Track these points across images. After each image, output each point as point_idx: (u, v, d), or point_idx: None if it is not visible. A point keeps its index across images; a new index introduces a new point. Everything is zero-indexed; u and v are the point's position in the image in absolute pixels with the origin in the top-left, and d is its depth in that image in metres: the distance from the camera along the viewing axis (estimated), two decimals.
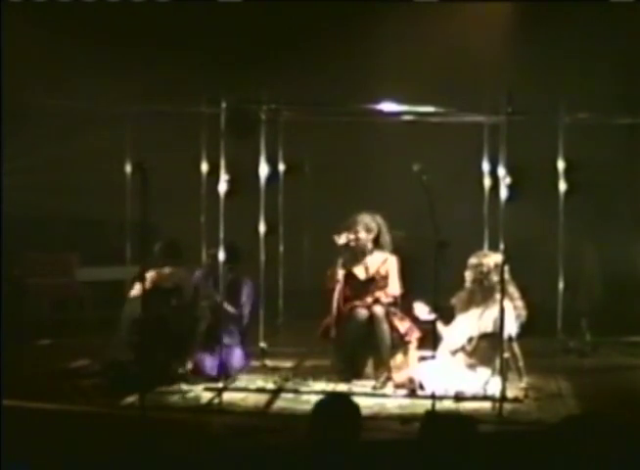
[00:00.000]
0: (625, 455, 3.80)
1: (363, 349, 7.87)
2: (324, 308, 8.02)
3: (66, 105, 9.31)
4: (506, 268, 7.45)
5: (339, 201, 10.59)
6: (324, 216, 10.32)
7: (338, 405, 4.27)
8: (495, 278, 7.34)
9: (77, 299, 10.23)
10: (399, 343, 7.86)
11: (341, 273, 7.98)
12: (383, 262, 8.05)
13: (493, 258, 7.50)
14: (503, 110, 7.25)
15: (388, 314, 7.87)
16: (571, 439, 3.81)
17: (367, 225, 8.04)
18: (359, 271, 8.06)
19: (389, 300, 7.99)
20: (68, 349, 8.78)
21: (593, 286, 9.71)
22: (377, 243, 8.09)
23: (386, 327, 7.80)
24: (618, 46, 10.58)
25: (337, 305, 7.92)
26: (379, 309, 7.84)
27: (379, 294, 7.96)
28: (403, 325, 7.89)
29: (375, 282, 8.03)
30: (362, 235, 8.03)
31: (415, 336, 7.88)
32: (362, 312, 7.85)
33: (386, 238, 8.10)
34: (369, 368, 7.90)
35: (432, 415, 4.62)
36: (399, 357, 7.85)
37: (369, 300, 7.92)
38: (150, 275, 7.61)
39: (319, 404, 4.28)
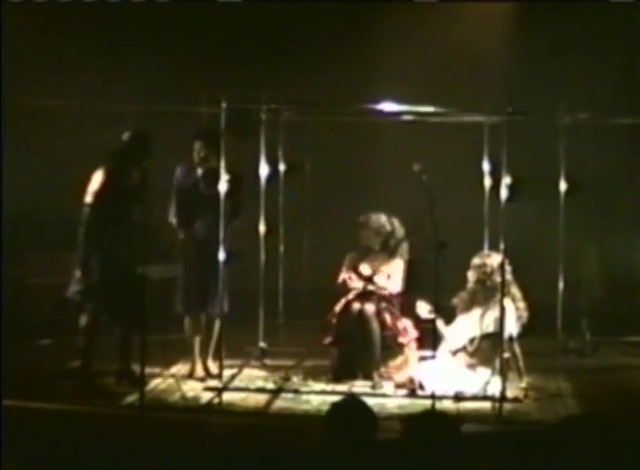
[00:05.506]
0: (625, 455, 3.80)
1: (355, 346, 7.84)
2: (324, 308, 8.03)
3: (66, 105, 9.29)
4: (508, 269, 7.46)
5: (339, 201, 10.61)
6: (324, 216, 10.35)
7: (353, 408, 4.24)
8: (498, 279, 7.34)
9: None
10: (393, 343, 7.85)
11: (346, 271, 8.03)
12: (387, 264, 8.04)
13: (497, 259, 7.49)
14: (503, 110, 7.25)
15: (380, 313, 7.85)
16: (571, 439, 3.81)
17: (376, 229, 8.04)
18: (363, 270, 8.06)
19: (385, 293, 7.95)
20: (68, 349, 8.76)
21: (593, 286, 9.70)
22: (386, 244, 8.08)
23: (375, 325, 7.77)
24: (618, 46, 10.57)
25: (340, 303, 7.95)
26: (369, 307, 7.82)
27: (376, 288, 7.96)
28: (398, 325, 7.87)
29: (376, 282, 8.02)
30: (369, 236, 8.04)
31: (411, 336, 7.86)
32: (354, 308, 7.84)
33: (397, 240, 8.08)
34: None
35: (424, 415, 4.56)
36: (399, 357, 7.84)
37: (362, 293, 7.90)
38: None
39: (335, 406, 4.25)
